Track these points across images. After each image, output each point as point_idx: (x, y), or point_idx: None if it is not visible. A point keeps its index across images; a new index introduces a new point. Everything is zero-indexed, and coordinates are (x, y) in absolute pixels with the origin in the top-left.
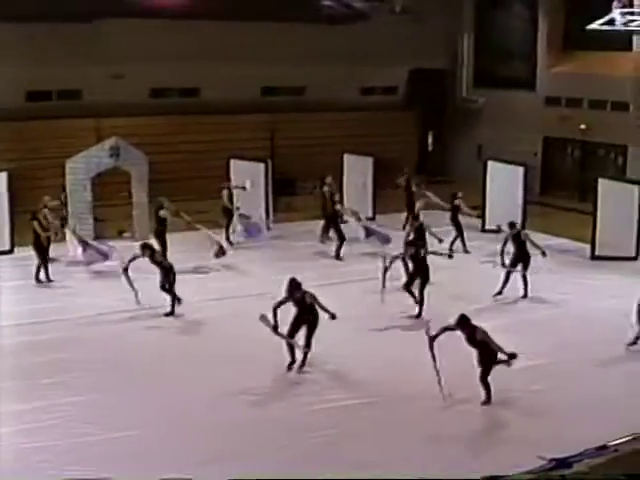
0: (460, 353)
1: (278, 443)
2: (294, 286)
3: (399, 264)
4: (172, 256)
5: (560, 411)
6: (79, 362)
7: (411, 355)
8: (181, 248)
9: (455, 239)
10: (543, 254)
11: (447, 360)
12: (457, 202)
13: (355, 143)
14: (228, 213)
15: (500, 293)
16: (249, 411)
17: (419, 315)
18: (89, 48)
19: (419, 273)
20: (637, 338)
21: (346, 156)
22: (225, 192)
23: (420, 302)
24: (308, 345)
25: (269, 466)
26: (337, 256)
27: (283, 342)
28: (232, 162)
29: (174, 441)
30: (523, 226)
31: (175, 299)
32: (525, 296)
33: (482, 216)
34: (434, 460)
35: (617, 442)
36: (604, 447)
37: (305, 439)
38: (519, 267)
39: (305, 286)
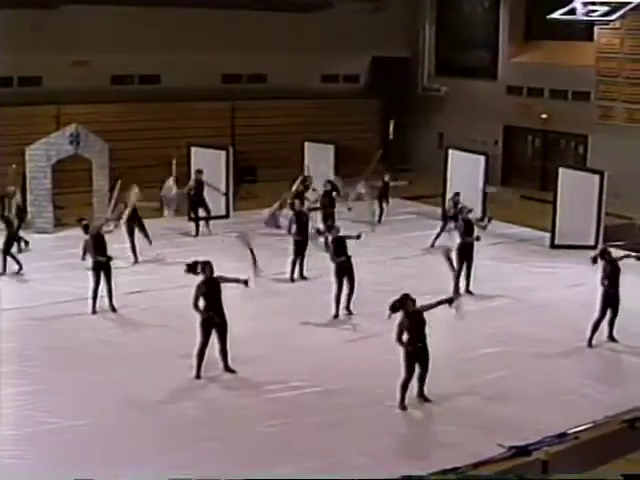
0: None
1: (227, 434)
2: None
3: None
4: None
5: (519, 399)
6: (34, 350)
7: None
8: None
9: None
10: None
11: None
12: (386, 178)
13: (316, 131)
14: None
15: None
16: (202, 401)
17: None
18: (50, 34)
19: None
20: (594, 329)
21: (307, 144)
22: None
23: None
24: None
25: (215, 456)
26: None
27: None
28: (192, 150)
29: (129, 430)
30: (483, 214)
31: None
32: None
33: (443, 205)
34: (389, 450)
35: (576, 430)
36: (564, 434)
37: (253, 431)
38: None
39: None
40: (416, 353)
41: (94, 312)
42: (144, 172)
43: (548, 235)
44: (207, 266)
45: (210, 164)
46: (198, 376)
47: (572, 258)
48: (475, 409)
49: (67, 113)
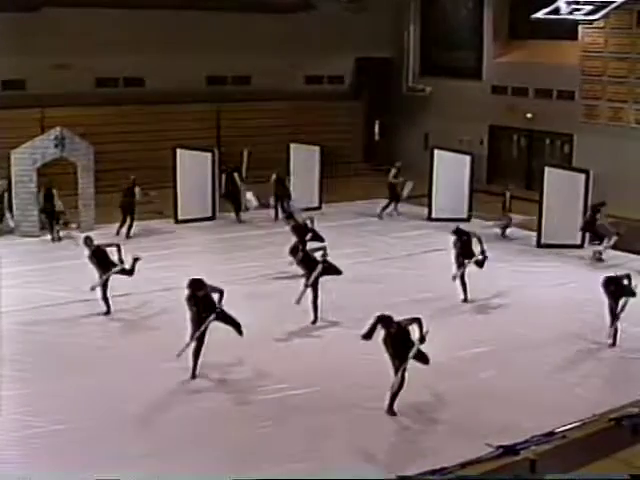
0: None
1: (216, 436)
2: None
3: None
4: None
5: (506, 398)
6: (20, 354)
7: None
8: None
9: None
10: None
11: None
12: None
13: (301, 132)
14: None
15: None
16: (188, 404)
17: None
18: (34, 38)
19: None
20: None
21: (292, 145)
22: None
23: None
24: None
25: (203, 459)
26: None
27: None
28: (178, 152)
29: (114, 433)
30: (469, 214)
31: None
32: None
33: (429, 205)
34: (376, 451)
35: (564, 428)
36: (551, 433)
37: (242, 431)
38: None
39: (247, 277)
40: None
41: (108, 312)
42: (129, 174)
43: (534, 234)
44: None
45: (197, 166)
46: (194, 376)
47: (558, 257)
48: (462, 409)
49: (51, 116)
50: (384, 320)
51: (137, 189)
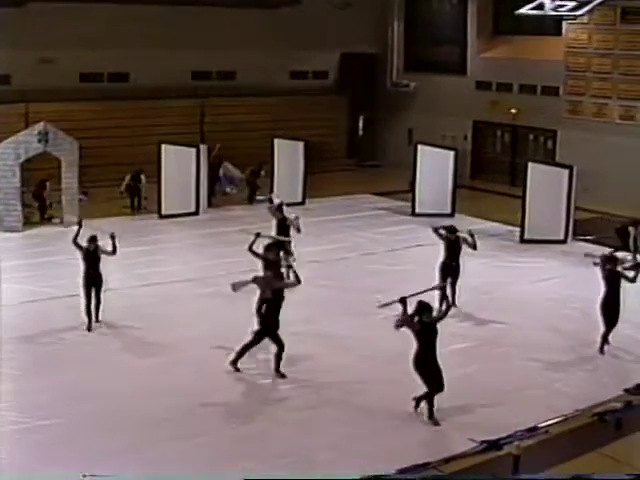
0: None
1: (198, 432)
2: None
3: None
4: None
5: (489, 394)
6: (2, 351)
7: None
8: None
9: None
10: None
11: (380, 345)
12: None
13: (286, 127)
14: None
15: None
16: (173, 400)
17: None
18: (19, 33)
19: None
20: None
21: (276, 141)
22: None
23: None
24: None
25: (187, 454)
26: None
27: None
28: (163, 147)
29: (98, 429)
30: (453, 209)
31: None
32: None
33: (412, 200)
34: (360, 446)
35: (547, 423)
36: (534, 428)
37: (231, 429)
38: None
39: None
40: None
41: (90, 329)
42: (113, 170)
43: (518, 230)
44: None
45: (181, 162)
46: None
47: (542, 253)
48: (446, 404)
49: (36, 111)
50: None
51: (143, 176)
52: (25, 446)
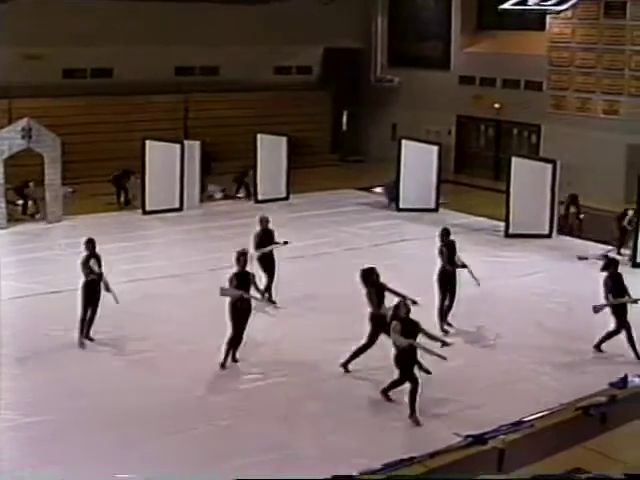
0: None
1: (190, 428)
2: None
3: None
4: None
5: (474, 388)
6: None
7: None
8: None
9: None
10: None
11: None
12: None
13: (269, 123)
14: None
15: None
16: (159, 396)
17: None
18: (2, 28)
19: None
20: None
21: (259, 136)
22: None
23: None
24: None
25: (170, 450)
26: None
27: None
28: (147, 143)
29: (86, 426)
30: (437, 204)
31: None
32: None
33: (397, 197)
34: (344, 440)
35: (532, 417)
36: (519, 423)
37: (216, 425)
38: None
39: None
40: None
41: (82, 345)
42: (97, 166)
43: (502, 224)
44: (242, 257)
45: (165, 158)
46: (223, 365)
47: (526, 247)
48: (430, 399)
49: (19, 107)
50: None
51: (133, 177)
52: (17, 443)
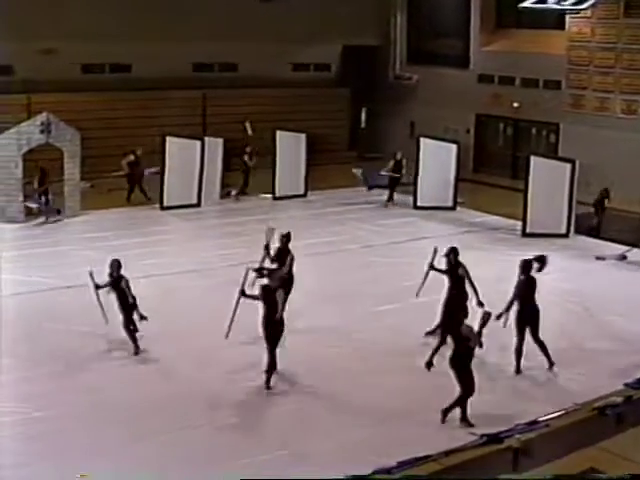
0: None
1: (203, 424)
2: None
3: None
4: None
5: (491, 387)
6: (2, 340)
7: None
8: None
9: None
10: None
11: (378, 337)
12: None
13: (288, 120)
14: None
15: None
16: (172, 391)
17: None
18: (22, 23)
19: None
20: None
21: (278, 132)
22: None
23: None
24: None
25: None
26: None
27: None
28: (167, 139)
29: (98, 420)
30: (455, 202)
31: None
32: None
33: (414, 193)
34: (361, 439)
35: (547, 417)
36: (535, 422)
37: (229, 421)
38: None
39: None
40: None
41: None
42: (115, 161)
43: (520, 223)
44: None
45: (185, 154)
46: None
47: (543, 246)
48: (447, 396)
49: (38, 102)
50: None
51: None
52: (23, 437)
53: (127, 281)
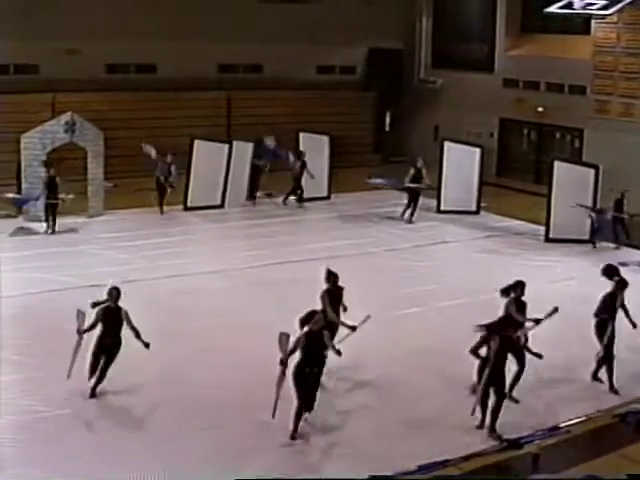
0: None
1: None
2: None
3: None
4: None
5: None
6: (22, 339)
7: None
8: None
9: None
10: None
11: (402, 341)
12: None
13: (311, 122)
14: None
15: None
16: (193, 391)
17: None
18: (47, 22)
19: None
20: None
21: (302, 135)
22: None
23: None
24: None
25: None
26: None
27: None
28: (196, 143)
29: (120, 420)
30: (478, 206)
31: None
32: None
33: (438, 197)
34: (381, 443)
35: (568, 423)
36: (556, 428)
37: (239, 422)
38: None
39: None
40: None
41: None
42: (139, 161)
43: (543, 228)
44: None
45: (212, 156)
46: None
47: (566, 252)
48: (468, 402)
49: (62, 101)
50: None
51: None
52: (42, 434)
53: (126, 313)
